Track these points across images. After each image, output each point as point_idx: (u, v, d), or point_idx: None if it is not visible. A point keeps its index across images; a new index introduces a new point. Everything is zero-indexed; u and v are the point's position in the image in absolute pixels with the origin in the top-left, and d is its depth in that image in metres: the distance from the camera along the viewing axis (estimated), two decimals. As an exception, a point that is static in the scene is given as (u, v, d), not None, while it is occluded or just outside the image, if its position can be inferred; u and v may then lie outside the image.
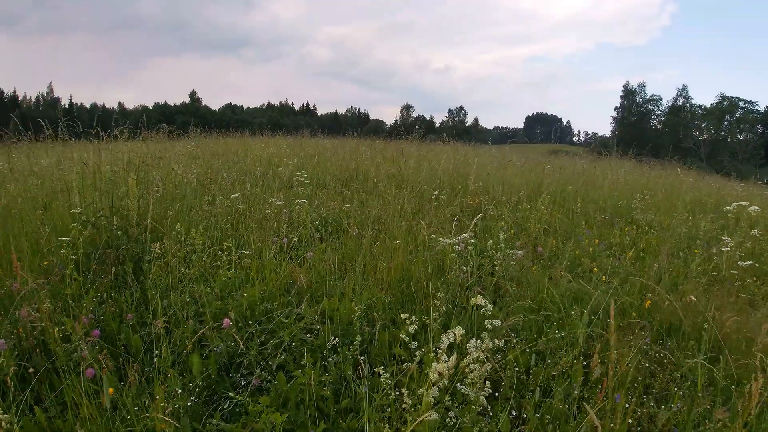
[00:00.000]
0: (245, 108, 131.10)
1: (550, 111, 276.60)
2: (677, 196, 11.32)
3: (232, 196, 6.30)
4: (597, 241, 6.73)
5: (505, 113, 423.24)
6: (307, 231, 5.77)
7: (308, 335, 3.77)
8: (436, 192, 7.59)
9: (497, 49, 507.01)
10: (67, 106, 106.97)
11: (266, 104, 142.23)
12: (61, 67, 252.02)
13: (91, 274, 4.51)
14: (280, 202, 5.90)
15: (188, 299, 4.02)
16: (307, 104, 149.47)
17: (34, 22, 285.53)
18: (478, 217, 5.13)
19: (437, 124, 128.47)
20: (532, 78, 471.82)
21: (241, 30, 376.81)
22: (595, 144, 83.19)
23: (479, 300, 2.55)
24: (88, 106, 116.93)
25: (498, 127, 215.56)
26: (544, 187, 10.11)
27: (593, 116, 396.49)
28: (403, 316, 2.75)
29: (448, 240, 4.96)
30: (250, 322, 3.83)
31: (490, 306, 2.66)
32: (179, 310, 3.88)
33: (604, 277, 5.16)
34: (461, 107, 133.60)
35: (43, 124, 6.72)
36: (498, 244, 5.14)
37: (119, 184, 5.55)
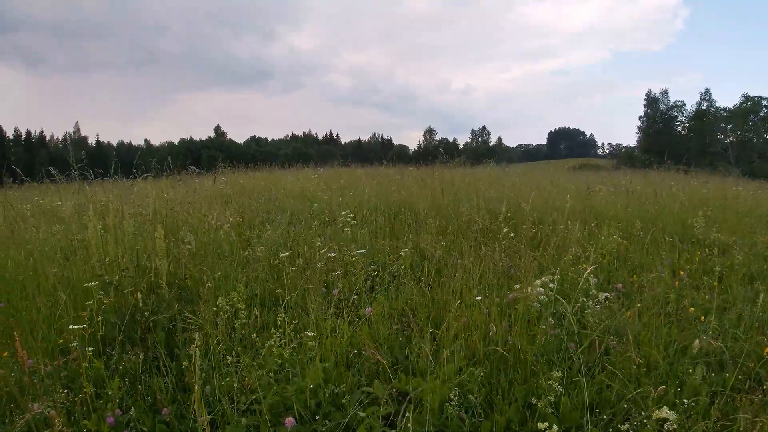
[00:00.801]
0: (269, 140, 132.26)
1: (573, 125, 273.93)
2: (746, 209, 10.39)
3: (265, 235, 5.61)
4: (682, 272, 5.91)
5: (527, 130, 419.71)
6: (358, 279, 5.03)
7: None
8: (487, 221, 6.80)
9: (516, 65, 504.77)
10: (94, 144, 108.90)
11: (290, 135, 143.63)
12: (87, 106, 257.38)
13: (117, 349, 3.84)
14: (334, 254, 5.17)
15: (236, 384, 3.30)
16: (331, 133, 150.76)
17: (59, 62, 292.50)
18: (568, 257, 4.33)
19: (461, 146, 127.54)
20: (552, 92, 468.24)
21: (262, 63, 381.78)
22: (620, 155, 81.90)
23: (665, 413, 1.80)
24: (114, 143, 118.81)
25: (521, 144, 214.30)
26: (598, 209, 9.28)
27: (616, 127, 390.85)
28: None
29: (531, 288, 4.19)
30: (317, 417, 3.09)
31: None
32: (226, 402, 3.16)
33: (702, 317, 4.53)
34: (484, 127, 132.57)
35: (71, 163, 6.14)
36: (588, 290, 4.38)
37: (146, 237, 4.89)
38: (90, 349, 3.45)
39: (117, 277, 4.33)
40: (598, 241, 6.48)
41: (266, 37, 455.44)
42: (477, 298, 4.28)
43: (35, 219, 6.84)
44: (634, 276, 5.80)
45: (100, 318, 3.68)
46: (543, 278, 4.43)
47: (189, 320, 3.88)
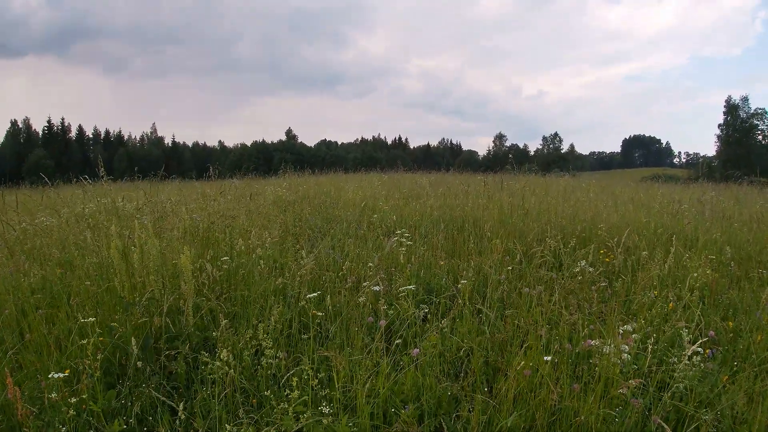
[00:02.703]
0: (339, 143, 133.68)
1: (648, 132, 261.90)
2: None
3: (303, 262, 5.16)
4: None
5: (601, 137, 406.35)
6: (408, 307, 4.47)
7: None
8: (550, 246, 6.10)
9: (590, 70, 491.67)
10: (170, 144, 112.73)
11: (360, 139, 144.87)
12: (163, 108, 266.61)
13: (128, 382, 3.47)
14: (379, 288, 4.64)
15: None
16: (400, 138, 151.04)
17: (138, 66, 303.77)
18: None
19: (531, 153, 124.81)
20: (627, 98, 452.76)
21: (334, 67, 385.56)
22: (698, 166, 77.58)
23: None
24: (190, 144, 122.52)
25: (594, 152, 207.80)
26: (682, 230, 8.38)
27: (694, 135, 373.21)
28: None
29: (608, 347, 3.52)
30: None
31: None
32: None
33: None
34: (556, 134, 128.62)
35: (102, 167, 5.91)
36: (675, 339, 3.70)
37: (176, 256, 4.53)
38: (97, 375, 3.18)
39: (140, 299, 3.97)
40: (686, 274, 5.65)
41: (338, 42, 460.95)
42: (546, 359, 3.60)
43: (93, 219, 6.64)
44: (729, 322, 4.95)
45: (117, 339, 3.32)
46: (626, 326, 3.78)
47: (207, 364, 3.46)
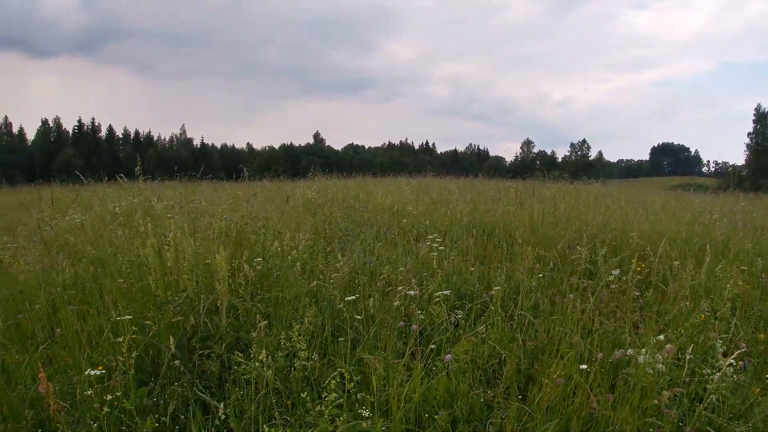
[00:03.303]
0: (366, 148, 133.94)
1: (677, 140, 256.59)
2: None
3: (338, 265, 5.13)
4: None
5: (629, 145, 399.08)
6: (442, 312, 4.40)
7: None
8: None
9: (618, 76, 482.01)
10: (198, 146, 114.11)
11: (387, 143, 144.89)
12: (192, 110, 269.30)
13: (160, 379, 3.49)
14: (413, 292, 4.58)
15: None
16: (427, 143, 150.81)
17: (167, 67, 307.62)
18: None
19: (559, 159, 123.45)
20: (655, 105, 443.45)
21: (361, 72, 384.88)
22: (727, 175, 76.02)
23: None
24: (218, 146, 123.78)
25: (622, 160, 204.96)
26: (714, 240, 8.17)
27: (723, 143, 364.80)
28: None
29: (643, 356, 3.43)
30: None
31: None
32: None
33: None
34: (584, 140, 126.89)
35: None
36: (707, 348, 3.59)
37: (210, 256, 4.52)
38: (131, 372, 3.18)
39: (173, 298, 3.97)
40: (717, 285, 5.53)
41: (365, 47, 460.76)
42: (582, 367, 3.53)
43: (127, 218, 6.70)
44: (761, 333, 4.82)
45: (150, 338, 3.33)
46: (659, 336, 3.67)
47: (239, 364, 3.44)
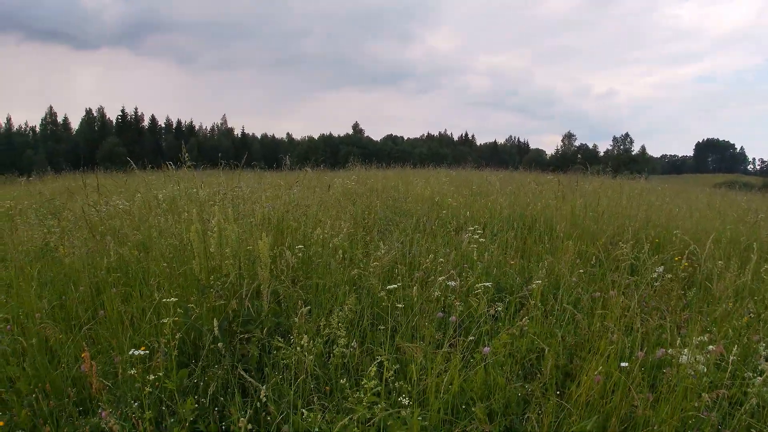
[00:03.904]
0: (405, 139, 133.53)
1: (722, 136, 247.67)
2: None
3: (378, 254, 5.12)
4: None
5: (672, 140, 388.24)
6: (482, 304, 4.34)
7: None
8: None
9: (661, 69, 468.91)
10: (239, 136, 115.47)
11: (426, 135, 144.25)
12: (233, 100, 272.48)
13: (201, 361, 3.54)
14: (453, 283, 4.53)
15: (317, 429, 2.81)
16: (466, 134, 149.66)
17: (208, 59, 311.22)
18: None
19: (601, 153, 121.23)
20: (700, 100, 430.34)
21: (400, 63, 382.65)
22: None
23: None
24: (258, 135, 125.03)
25: (666, 155, 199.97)
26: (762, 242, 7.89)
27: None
28: None
29: (684, 356, 3.32)
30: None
31: None
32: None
33: None
34: (627, 134, 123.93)
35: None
36: (756, 362, 3.46)
37: (252, 242, 4.55)
38: (174, 354, 3.23)
39: (215, 282, 4.01)
40: (763, 286, 5.35)
41: (404, 39, 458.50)
42: (623, 365, 3.44)
43: (173, 204, 6.81)
44: None
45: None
46: (701, 337, 3.56)
47: (278, 348, 3.46)
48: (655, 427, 3.04)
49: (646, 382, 3.46)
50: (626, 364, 3.38)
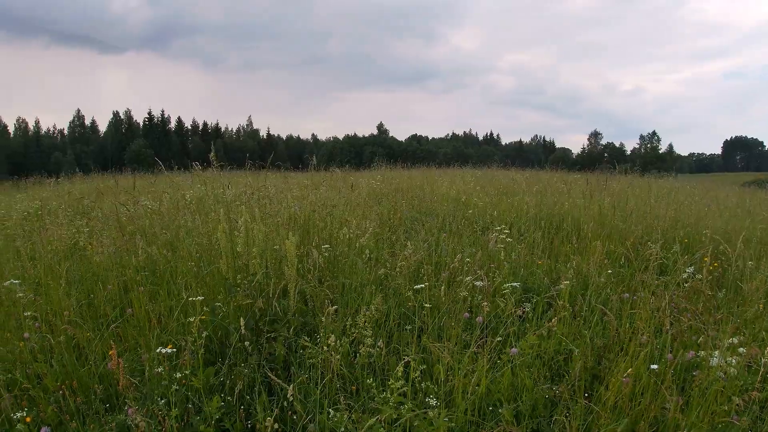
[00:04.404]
0: (430, 138, 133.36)
1: (750, 133, 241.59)
2: None
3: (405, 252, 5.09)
4: None
5: (700, 138, 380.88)
6: (509, 305, 4.28)
7: None
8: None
9: (688, 66, 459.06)
10: (265, 137, 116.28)
11: (450, 134, 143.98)
12: (258, 102, 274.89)
13: (227, 360, 3.54)
14: (481, 283, 4.48)
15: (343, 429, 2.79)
16: (491, 133, 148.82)
17: (234, 61, 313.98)
18: None
19: (628, 152, 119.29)
20: (728, 96, 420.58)
21: (424, 63, 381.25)
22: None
23: None
24: (284, 136, 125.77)
25: (693, 153, 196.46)
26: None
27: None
28: None
29: (715, 359, 3.23)
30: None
31: None
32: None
33: None
34: (654, 132, 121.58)
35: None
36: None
37: (278, 242, 4.56)
38: (201, 352, 3.24)
39: (242, 281, 4.02)
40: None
41: (427, 38, 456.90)
42: (653, 367, 3.36)
43: (199, 204, 6.86)
44: None
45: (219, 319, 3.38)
46: (732, 339, 3.47)
47: (305, 348, 3.45)
48: (685, 431, 2.96)
49: (675, 385, 3.38)
50: (656, 367, 3.31)
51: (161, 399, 3.10)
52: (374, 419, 2.65)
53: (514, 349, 3.62)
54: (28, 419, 2.90)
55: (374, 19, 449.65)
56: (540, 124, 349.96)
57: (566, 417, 3.18)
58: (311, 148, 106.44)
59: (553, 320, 3.75)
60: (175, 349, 3.30)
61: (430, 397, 3.08)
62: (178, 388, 3.10)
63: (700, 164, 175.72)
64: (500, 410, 3.19)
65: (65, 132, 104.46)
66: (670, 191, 13.73)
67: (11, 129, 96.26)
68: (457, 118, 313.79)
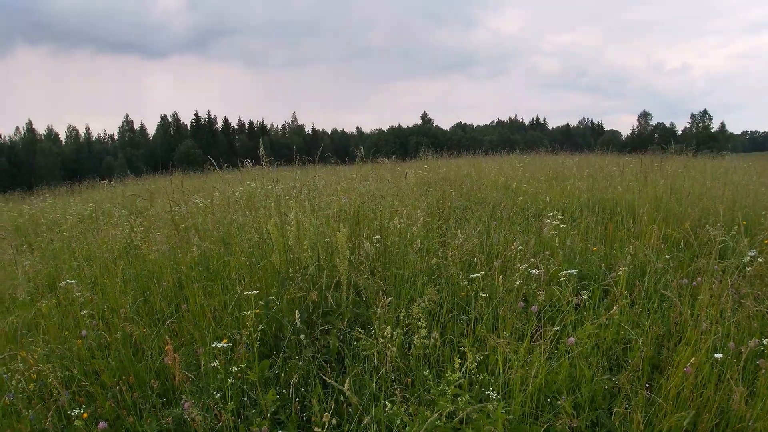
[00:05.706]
0: (475, 126, 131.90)
1: None
2: None
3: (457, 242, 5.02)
4: None
5: (754, 115, 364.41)
6: (566, 292, 4.16)
7: None
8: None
9: (737, 39, 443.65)
10: (310, 132, 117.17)
11: (495, 121, 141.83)
12: (302, 98, 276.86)
13: (282, 353, 3.56)
14: (536, 272, 4.38)
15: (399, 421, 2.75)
16: (537, 118, 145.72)
17: (276, 59, 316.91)
18: None
19: (679, 132, 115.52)
20: None
21: (466, 49, 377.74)
22: None
23: None
24: (329, 131, 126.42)
25: (747, 131, 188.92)
26: None
27: None
28: None
29: None
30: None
31: None
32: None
33: None
34: (705, 111, 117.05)
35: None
36: None
37: (330, 234, 4.56)
38: (256, 345, 3.31)
39: (295, 274, 4.02)
40: None
41: (468, 24, 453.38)
42: (717, 356, 3.20)
43: (250, 200, 6.93)
44: None
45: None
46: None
47: (359, 336, 3.42)
48: (750, 423, 2.85)
49: (739, 375, 3.23)
50: (720, 356, 3.16)
51: (217, 393, 3.13)
52: (436, 415, 2.58)
53: (571, 339, 3.51)
54: (85, 415, 2.95)
55: (413, 7, 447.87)
56: (587, 106, 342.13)
57: (626, 408, 3.08)
58: (356, 141, 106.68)
59: (614, 309, 3.63)
60: (230, 343, 3.32)
61: (488, 390, 3.02)
62: (233, 381, 3.11)
63: (754, 142, 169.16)
64: (558, 402, 3.10)
65: (115, 137, 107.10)
66: (727, 171, 13.23)
67: (63, 137, 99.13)
68: (502, 104, 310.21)
